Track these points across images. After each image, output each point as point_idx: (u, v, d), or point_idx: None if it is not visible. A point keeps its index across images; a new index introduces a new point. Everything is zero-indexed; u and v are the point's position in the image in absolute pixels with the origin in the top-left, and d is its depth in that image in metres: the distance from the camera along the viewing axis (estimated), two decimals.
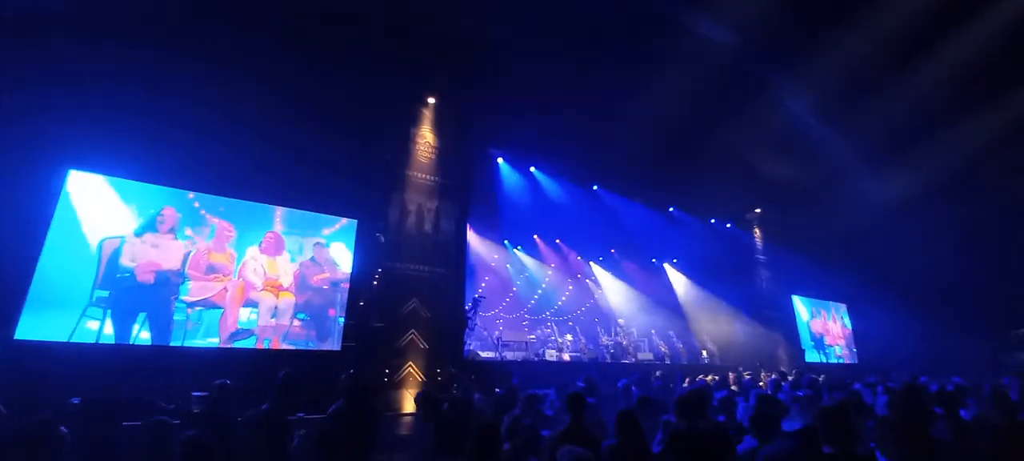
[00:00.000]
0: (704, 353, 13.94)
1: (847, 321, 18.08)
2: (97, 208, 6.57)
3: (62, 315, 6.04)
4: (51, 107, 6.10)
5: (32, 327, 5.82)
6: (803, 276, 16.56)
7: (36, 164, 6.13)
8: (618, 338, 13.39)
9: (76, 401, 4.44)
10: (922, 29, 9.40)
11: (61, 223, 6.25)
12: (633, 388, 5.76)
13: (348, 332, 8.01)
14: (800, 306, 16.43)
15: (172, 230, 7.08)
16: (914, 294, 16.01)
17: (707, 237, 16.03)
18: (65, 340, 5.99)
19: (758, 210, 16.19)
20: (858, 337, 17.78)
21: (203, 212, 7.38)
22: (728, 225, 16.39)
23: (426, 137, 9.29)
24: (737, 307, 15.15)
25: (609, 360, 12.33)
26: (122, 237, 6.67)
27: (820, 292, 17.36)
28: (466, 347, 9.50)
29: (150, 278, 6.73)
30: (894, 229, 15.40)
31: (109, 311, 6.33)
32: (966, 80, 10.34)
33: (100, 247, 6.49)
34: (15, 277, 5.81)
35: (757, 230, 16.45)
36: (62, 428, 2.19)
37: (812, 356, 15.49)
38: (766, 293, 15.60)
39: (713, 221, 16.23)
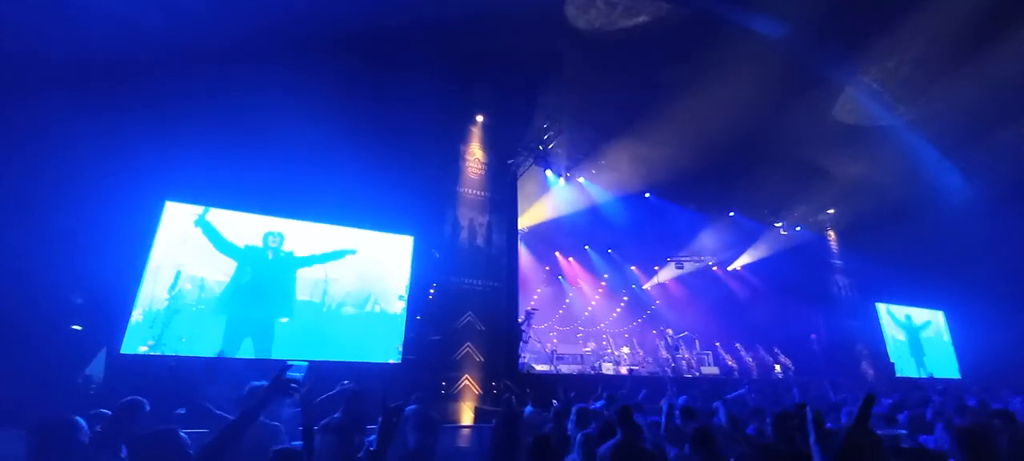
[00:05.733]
0: (777, 367, 12.94)
1: (946, 330, 16.06)
2: (185, 236, 7.34)
3: (161, 331, 6.74)
4: (148, 146, 6.90)
5: (135, 342, 6.55)
6: (888, 281, 14.99)
7: (136, 196, 6.95)
8: (679, 351, 12.76)
9: (182, 411, 4.88)
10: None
11: (159, 249, 7.03)
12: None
13: (407, 345, 8.26)
14: (886, 315, 14.84)
15: (275, 253, 7.82)
16: (1020, 295, 13.98)
17: (774, 242, 14.98)
18: (165, 354, 6.65)
19: (831, 211, 14.89)
20: (959, 347, 15.73)
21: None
22: (797, 228, 15.21)
23: (475, 154, 9.52)
24: (813, 316, 13.96)
25: (669, 374, 11.76)
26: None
27: (910, 298, 15.60)
28: (520, 360, 9.47)
29: (255, 300, 7.48)
30: (993, 223, 13.56)
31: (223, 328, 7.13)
32: None
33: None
34: (120, 298, 6.58)
35: (831, 232, 15.17)
36: None
37: (904, 370, 13.89)
38: (845, 301, 14.27)
39: (779, 224, 15.15)
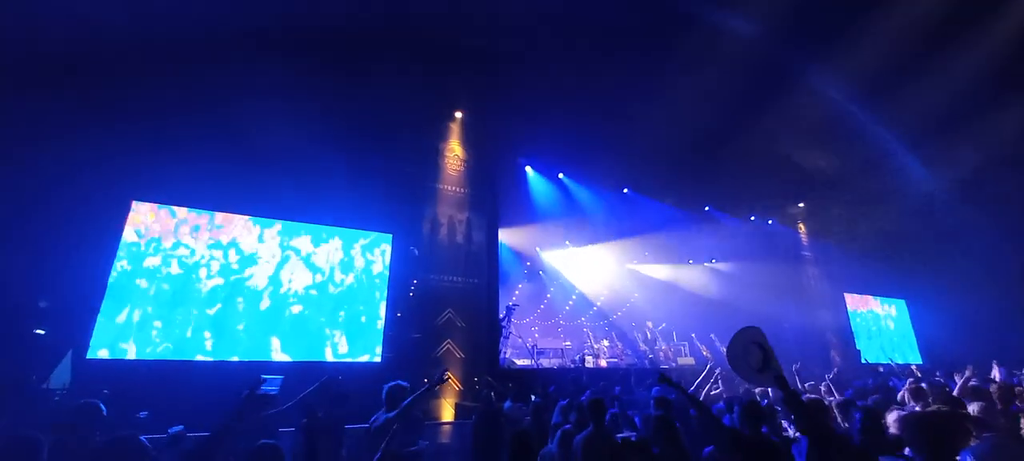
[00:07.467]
0: None
1: (907, 318, 16.85)
2: (156, 236, 7.13)
3: (129, 335, 6.55)
4: (113, 144, 6.65)
5: (104, 346, 6.35)
6: (855, 272, 15.62)
7: (101, 196, 6.69)
8: (656, 343, 13.05)
9: (144, 415, 4.78)
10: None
11: (125, 250, 6.81)
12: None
13: (387, 343, 8.22)
14: (853, 304, 15.47)
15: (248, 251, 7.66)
16: (978, 283, 14.76)
17: (747, 235, 15.42)
18: (133, 358, 6.47)
19: (801, 204, 15.41)
20: (921, 334, 16.53)
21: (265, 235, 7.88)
22: (770, 221, 15.69)
23: (455, 150, 9.50)
24: (784, 307, 14.44)
25: (647, 365, 12.02)
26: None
27: (875, 288, 16.32)
28: (502, 355, 9.54)
29: (232, 302, 7.34)
30: (951, 216, 14.27)
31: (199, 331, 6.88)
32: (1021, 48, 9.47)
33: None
34: (86, 302, 6.35)
35: (801, 225, 15.69)
36: None
37: (870, 356, 14.53)
38: (815, 291, 14.82)
39: (753, 218, 15.59)
